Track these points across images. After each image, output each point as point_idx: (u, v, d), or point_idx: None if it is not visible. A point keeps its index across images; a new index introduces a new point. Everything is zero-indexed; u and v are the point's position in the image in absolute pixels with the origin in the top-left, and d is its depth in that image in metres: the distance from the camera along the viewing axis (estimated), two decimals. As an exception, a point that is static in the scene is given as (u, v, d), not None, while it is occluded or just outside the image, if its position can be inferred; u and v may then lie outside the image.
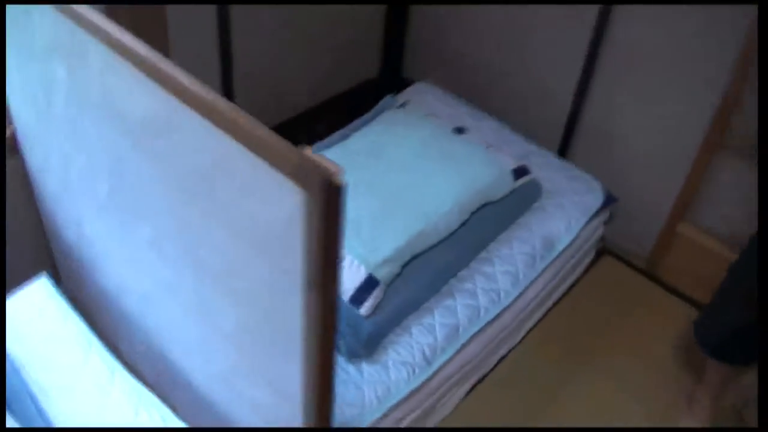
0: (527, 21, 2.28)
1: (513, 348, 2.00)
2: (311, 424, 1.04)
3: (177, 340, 1.32)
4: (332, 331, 0.90)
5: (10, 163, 1.61)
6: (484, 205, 1.93)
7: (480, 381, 1.90)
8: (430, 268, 1.74)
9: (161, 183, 1.04)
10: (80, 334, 1.40)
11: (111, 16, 1.41)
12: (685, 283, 2.26)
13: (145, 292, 1.33)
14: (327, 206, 0.76)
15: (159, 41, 1.74)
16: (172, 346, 1.36)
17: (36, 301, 1.46)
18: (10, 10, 1.20)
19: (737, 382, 1.91)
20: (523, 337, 2.04)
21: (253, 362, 1.09)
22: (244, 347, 1.09)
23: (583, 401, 1.91)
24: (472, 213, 1.89)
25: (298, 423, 1.07)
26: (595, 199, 2.13)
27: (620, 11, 2.05)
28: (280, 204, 0.81)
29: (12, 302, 1.46)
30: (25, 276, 1.53)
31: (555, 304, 2.15)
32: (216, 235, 0.98)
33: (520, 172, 2.06)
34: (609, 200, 2.17)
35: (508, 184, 2.00)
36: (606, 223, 2.24)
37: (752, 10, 1.77)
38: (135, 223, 1.19)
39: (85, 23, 1.01)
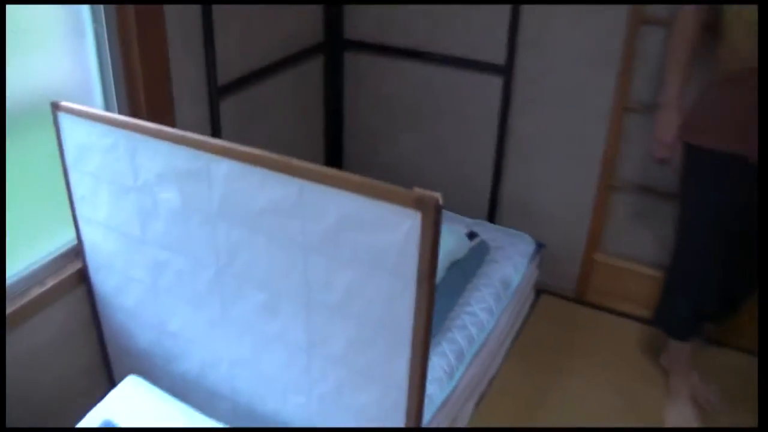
0: (445, 127, 2.87)
1: (498, 369, 2.45)
2: (413, 407, 1.43)
3: (273, 388, 1.67)
4: (432, 315, 1.33)
5: (76, 293, 1.93)
6: (452, 264, 2.42)
7: (480, 399, 2.32)
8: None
9: (282, 251, 1.43)
10: (186, 411, 1.70)
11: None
12: (610, 300, 2.81)
13: (239, 357, 1.68)
14: (436, 219, 1.21)
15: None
16: (267, 398, 1.70)
17: (134, 395, 1.75)
18: (110, 152, 1.59)
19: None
20: (503, 361, 2.49)
21: (363, 371, 1.47)
22: (355, 362, 1.47)
23: (570, 403, 2.34)
24: (447, 270, 2.38)
25: (401, 409, 1.46)
26: (529, 247, 2.66)
27: (516, 111, 2.68)
28: (398, 229, 1.25)
29: (108, 402, 1.73)
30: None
31: (518, 333, 2.63)
32: (338, 276, 1.38)
33: (471, 235, 2.58)
34: (539, 246, 2.72)
35: (466, 245, 2.51)
36: (539, 266, 2.78)
37: (612, 89, 2.44)
38: (244, 295, 1.56)
39: (207, 147, 1.43)
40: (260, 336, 1.60)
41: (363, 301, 1.38)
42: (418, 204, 1.22)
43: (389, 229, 1.27)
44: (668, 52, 2.11)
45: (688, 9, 2.01)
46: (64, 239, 1.91)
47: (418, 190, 1.22)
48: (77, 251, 1.89)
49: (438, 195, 1.22)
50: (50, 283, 1.84)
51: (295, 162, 1.33)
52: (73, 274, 1.89)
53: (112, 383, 2.04)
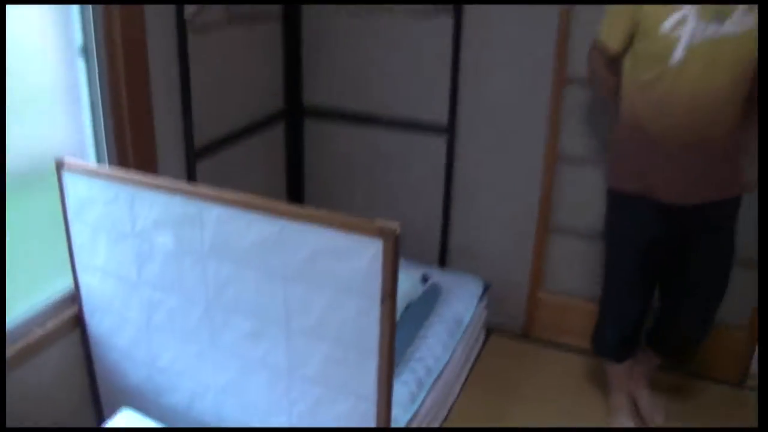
0: (397, 183, 3.17)
1: (457, 397, 2.70)
2: (383, 413, 1.67)
3: (256, 412, 1.88)
4: (394, 329, 1.58)
5: (70, 337, 2.12)
6: (409, 305, 2.69)
7: (442, 423, 2.55)
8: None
9: (266, 283, 1.68)
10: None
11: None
12: (554, 335, 3.09)
13: (225, 384, 1.89)
14: (395, 245, 1.48)
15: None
16: (251, 422, 1.90)
17: (129, 426, 1.94)
18: (110, 204, 1.83)
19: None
20: (461, 390, 2.74)
21: (337, 387, 1.69)
22: (330, 379, 1.69)
23: (523, 425, 2.59)
24: (404, 310, 2.64)
25: (371, 417, 1.69)
26: (477, 288, 2.94)
27: (459, 165, 3.00)
28: (364, 255, 1.51)
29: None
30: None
31: (473, 367, 2.89)
32: (314, 301, 1.63)
33: (425, 279, 2.86)
34: (486, 287, 3.00)
35: (420, 287, 2.79)
36: (487, 306, 3.05)
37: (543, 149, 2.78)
38: (231, 325, 1.78)
39: (201, 195, 1.68)
40: (245, 362, 1.82)
41: (336, 322, 1.63)
42: (380, 233, 1.49)
43: (357, 256, 1.53)
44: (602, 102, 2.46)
45: (602, 76, 2.36)
46: (58, 288, 2.11)
47: (379, 221, 1.49)
48: (73, 297, 2.09)
49: (396, 224, 1.49)
50: (41, 331, 2.00)
51: (277, 204, 1.60)
52: (68, 320, 2.08)
53: (101, 420, 2.21)
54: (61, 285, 2.11)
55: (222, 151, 2.72)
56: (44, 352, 2.02)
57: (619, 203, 2.37)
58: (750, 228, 2.48)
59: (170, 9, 2.29)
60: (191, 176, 2.51)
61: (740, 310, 2.74)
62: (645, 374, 2.67)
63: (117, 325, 2.02)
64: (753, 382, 2.82)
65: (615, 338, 2.53)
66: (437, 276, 2.98)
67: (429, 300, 2.78)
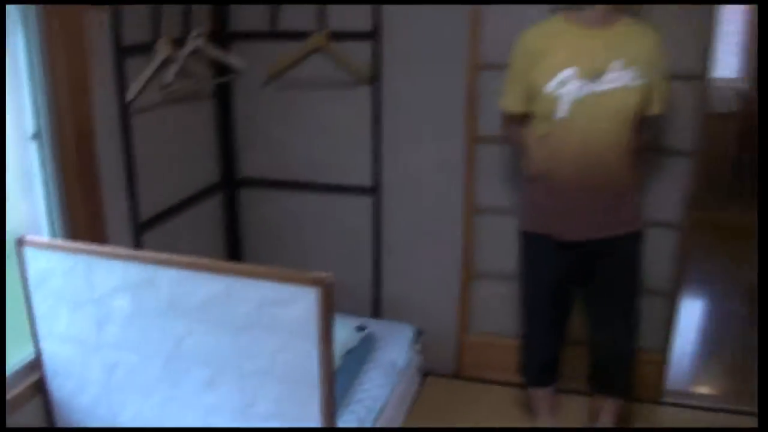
0: (329, 243, 3.42)
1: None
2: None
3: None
4: (333, 365, 1.81)
5: (33, 402, 2.26)
6: (346, 353, 2.91)
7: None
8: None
9: (219, 334, 1.88)
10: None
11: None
12: (485, 372, 3.35)
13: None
14: (330, 291, 1.72)
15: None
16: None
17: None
18: (69, 274, 2.02)
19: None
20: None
21: (288, 419, 1.90)
22: (281, 414, 1.90)
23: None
24: (342, 358, 2.86)
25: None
26: (410, 334, 3.19)
27: (386, 222, 3.28)
28: (303, 302, 1.75)
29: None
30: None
31: (411, 407, 3.11)
32: (262, 345, 1.84)
33: (360, 328, 3.09)
34: (419, 333, 3.25)
35: (357, 336, 3.01)
36: (421, 351, 3.29)
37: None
38: (190, 375, 1.97)
39: (155, 260, 1.89)
40: (204, 408, 2.01)
41: (283, 363, 1.85)
42: (315, 282, 1.73)
43: (297, 304, 1.77)
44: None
45: (510, 134, 2.69)
46: (18, 357, 2.25)
47: (315, 272, 1.74)
48: (35, 365, 2.24)
49: (331, 274, 1.74)
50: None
51: (222, 264, 1.83)
52: (31, 386, 2.21)
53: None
54: (22, 354, 2.25)
55: (166, 221, 2.92)
56: (8, 419, 2.16)
57: (528, 244, 2.68)
58: (661, 259, 2.93)
59: (113, 94, 2.52)
60: (138, 246, 2.71)
61: (654, 335, 3.10)
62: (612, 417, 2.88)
63: (79, 387, 2.18)
64: (669, 398, 3.21)
65: (537, 367, 2.82)
66: (372, 325, 3.21)
67: (365, 347, 3.01)
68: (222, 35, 3.18)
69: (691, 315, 4.16)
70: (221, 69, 3.20)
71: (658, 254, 2.92)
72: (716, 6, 2.71)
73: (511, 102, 2.55)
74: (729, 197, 5.81)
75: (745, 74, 5.83)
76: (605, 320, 2.69)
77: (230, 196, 3.45)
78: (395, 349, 3.05)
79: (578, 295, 2.71)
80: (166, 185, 2.94)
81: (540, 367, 2.83)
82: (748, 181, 5.70)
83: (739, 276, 4.67)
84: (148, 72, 2.63)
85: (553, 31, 2.44)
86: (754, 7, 5.56)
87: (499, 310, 3.28)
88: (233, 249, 3.53)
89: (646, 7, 2.70)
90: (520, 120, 2.58)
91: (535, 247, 2.65)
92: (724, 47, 5.57)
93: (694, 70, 2.78)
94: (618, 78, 2.34)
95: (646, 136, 2.61)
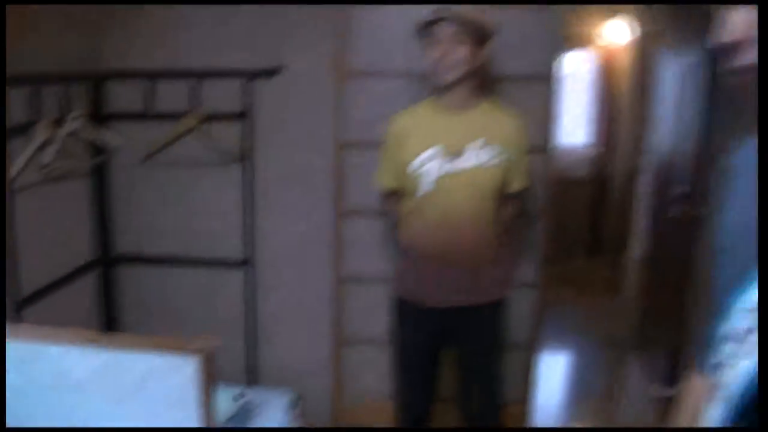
0: (201, 317, 3.54)
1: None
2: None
3: None
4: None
5: None
6: (226, 421, 3.01)
7: None
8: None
9: (105, 405, 1.98)
10: None
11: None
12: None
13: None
14: (212, 358, 1.88)
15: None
16: None
17: None
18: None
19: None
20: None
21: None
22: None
23: None
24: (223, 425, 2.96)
25: None
26: (288, 400, 3.33)
27: (261, 294, 3.44)
28: (186, 369, 1.89)
29: None
30: None
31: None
32: (148, 414, 1.95)
33: (239, 395, 3.20)
34: (297, 398, 3.39)
35: (236, 404, 3.12)
36: (301, 415, 3.43)
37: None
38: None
39: (39, 336, 1.98)
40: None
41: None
42: (198, 350, 1.88)
43: (180, 371, 1.90)
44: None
45: (386, 207, 2.95)
46: None
47: (198, 341, 1.89)
48: None
49: (211, 342, 1.89)
50: None
51: (104, 337, 1.95)
52: None
53: None
54: None
55: (44, 299, 2.96)
56: None
57: (398, 308, 2.90)
58: (521, 315, 3.26)
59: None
60: (19, 321, 2.74)
61: (516, 388, 3.39)
62: None
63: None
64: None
65: (408, 420, 3.01)
66: (251, 393, 3.33)
67: (245, 414, 3.12)
68: (100, 116, 3.31)
69: (553, 366, 4.50)
70: (99, 148, 3.32)
71: (517, 311, 3.19)
72: (557, 79, 3.13)
73: (385, 179, 2.82)
74: (587, 254, 6.35)
75: (594, 140, 6.47)
76: (470, 380, 2.92)
77: (105, 272, 3.51)
78: (275, 415, 3.18)
79: (449, 354, 2.95)
80: (47, 262, 2.99)
81: (414, 423, 3.03)
82: (605, 241, 6.26)
83: (597, 325, 5.11)
84: (28, 152, 2.73)
85: (419, 114, 2.72)
86: (604, 75, 6.19)
87: (373, 372, 3.49)
88: (110, 324, 3.57)
89: (497, 85, 3.07)
90: (395, 195, 2.83)
91: (405, 312, 2.87)
92: (572, 118, 6.19)
93: (540, 142, 3.15)
94: (476, 156, 2.60)
95: (511, 210, 2.88)
